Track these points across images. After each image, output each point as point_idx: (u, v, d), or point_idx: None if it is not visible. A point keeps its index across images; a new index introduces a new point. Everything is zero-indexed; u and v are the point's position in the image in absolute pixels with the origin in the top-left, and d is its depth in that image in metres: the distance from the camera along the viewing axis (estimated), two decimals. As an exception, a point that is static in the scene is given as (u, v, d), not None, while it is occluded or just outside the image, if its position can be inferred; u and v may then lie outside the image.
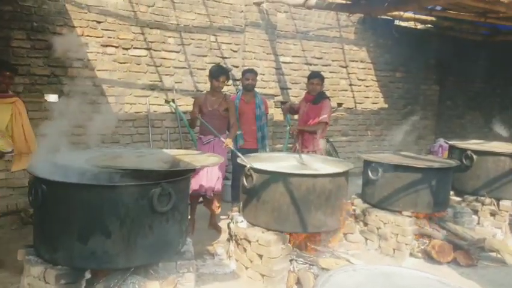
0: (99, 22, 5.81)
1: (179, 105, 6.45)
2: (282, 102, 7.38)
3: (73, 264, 2.85)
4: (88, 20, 5.74)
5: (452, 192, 5.24)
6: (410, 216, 4.51)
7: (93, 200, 2.81)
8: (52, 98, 5.57)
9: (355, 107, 8.62)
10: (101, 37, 5.85)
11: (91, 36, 5.77)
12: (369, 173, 4.76)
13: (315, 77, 5.47)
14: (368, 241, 4.74)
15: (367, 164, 4.89)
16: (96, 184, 2.97)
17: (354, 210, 4.94)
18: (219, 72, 4.84)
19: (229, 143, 4.54)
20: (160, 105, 6.41)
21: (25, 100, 5.39)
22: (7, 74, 4.27)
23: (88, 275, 2.89)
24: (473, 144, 6.04)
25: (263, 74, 7.00)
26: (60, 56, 5.57)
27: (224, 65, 6.47)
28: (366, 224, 4.78)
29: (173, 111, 6.45)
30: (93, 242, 2.79)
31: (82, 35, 5.71)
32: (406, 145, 9.02)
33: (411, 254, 4.43)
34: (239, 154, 4.19)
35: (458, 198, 5.58)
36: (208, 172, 4.71)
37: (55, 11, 5.51)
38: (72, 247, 2.81)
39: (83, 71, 5.76)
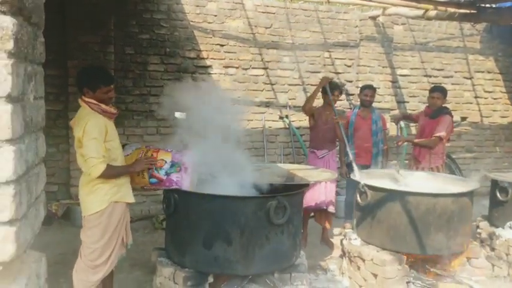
0: (222, 45, 6.32)
1: (293, 121, 6.66)
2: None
3: (198, 267, 3.11)
4: (213, 44, 6.28)
5: None
6: (547, 243, 4.05)
7: (217, 210, 3.06)
8: (181, 115, 6.16)
9: (481, 121, 7.95)
10: (224, 59, 6.35)
11: (214, 59, 6.30)
12: (498, 194, 4.39)
13: (435, 91, 5.16)
14: (495, 267, 4.34)
15: (495, 183, 4.52)
16: (219, 195, 3.19)
17: (479, 233, 4.58)
18: (332, 87, 4.95)
19: None
20: (275, 121, 6.68)
21: (158, 118, 6.06)
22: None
23: (210, 279, 3.12)
24: None
25: (378, 88, 6.84)
26: (190, 78, 6.17)
27: (337, 80, 6.51)
28: (493, 249, 4.39)
29: (287, 126, 6.67)
30: (216, 248, 3.03)
31: (207, 58, 6.25)
32: (543, 163, 8.09)
33: (547, 285, 3.97)
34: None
35: None
36: (327, 186, 4.78)
37: (185, 37, 6.13)
38: (198, 252, 3.08)
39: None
